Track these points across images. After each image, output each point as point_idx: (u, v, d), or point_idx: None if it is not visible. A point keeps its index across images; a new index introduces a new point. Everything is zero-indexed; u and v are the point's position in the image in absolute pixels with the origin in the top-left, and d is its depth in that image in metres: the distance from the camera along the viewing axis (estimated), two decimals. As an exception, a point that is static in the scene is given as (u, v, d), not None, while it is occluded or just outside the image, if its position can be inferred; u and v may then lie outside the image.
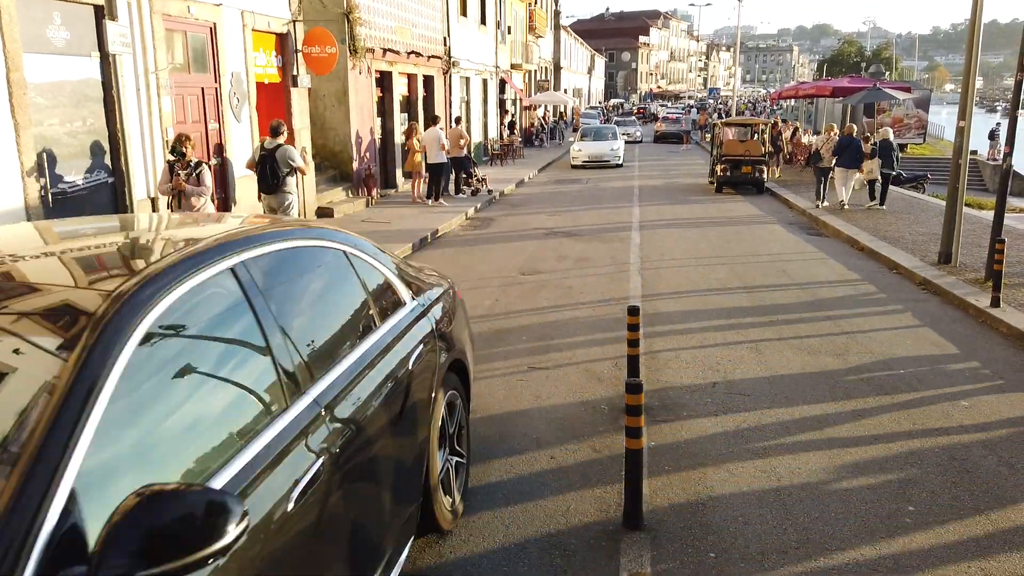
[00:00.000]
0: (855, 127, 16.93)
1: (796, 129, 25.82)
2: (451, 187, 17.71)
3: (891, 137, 15.95)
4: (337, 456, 2.47)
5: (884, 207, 15.46)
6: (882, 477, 4.53)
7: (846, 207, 15.40)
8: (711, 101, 67.75)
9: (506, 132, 30.52)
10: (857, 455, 4.81)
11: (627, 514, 3.96)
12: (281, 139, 9.48)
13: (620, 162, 26.06)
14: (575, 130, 47.48)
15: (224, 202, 11.03)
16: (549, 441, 5.03)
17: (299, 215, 9.98)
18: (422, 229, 13.04)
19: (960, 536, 3.92)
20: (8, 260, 2.30)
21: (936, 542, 3.86)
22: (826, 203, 15.87)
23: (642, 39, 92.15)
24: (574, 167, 25.76)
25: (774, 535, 3.91)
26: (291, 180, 9.56)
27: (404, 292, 3.58)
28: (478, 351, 6.89)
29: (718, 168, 18.93)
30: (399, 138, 18.90)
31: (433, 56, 20.83)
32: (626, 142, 38.67)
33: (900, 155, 16.01)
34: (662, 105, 65.48)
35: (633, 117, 48.50)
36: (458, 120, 17.67)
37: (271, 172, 9.35)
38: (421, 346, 3.44)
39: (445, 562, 3.70)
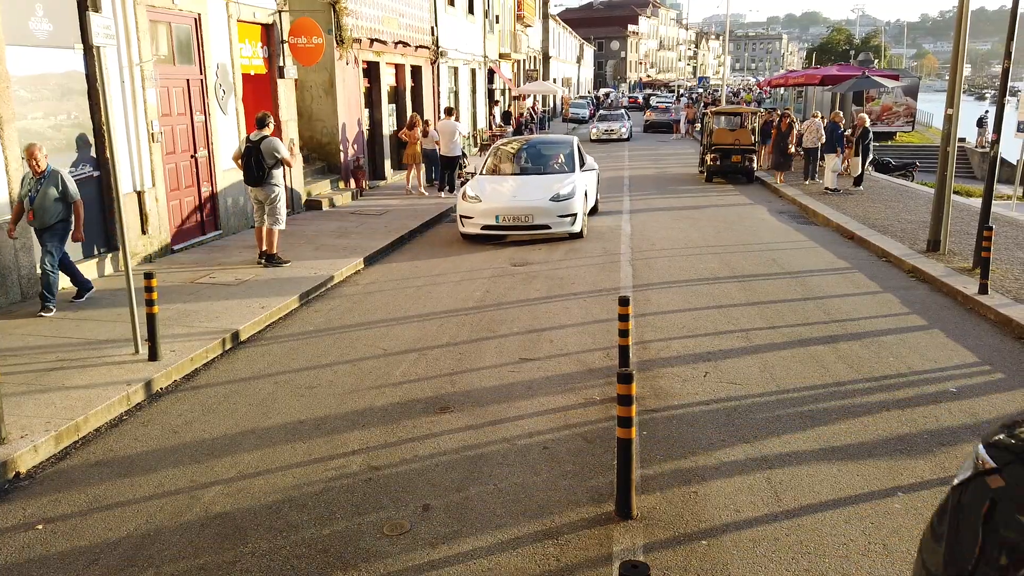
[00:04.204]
0: (840, 114, 17.39)
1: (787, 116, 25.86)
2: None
3: (867, 124, 16.91)
4: None
5: (860, 188, 16.53)
6: (871, 462, 4.56)
7: (833, 191, 15.91)
8: (701, 90, 67.51)
9: (497, 122, 30.40)
10: (846, 440, 4.84)
11: (619, 503, 3.97)
12: (267, 131, 9.41)
13: (576, 227, 11.51)
14: (564, 120, 47.02)
15: None
16: (542, 431, 5.03)
17: (286, 207, 9.88)
18: (422, 216, 13.01)
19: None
20: None
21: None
22: (818, 181, 17.26)
23: (631, 28, 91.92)
24: (465, 237, 11.77)
25: (765, 522, 3.93)
26: (277, 172, 9.49)
27: None
28: (469, 342, 6.88)
29: (708, 157, 18.94)
30: (387, 129, 18.80)
31: (421, 46, 20.71)
32: (610, 140, 32.19)
33: (873, 143, 17.35)
34: (652, 94, 64.88)
35: (622, 110, 37.92)
36: (448, 111, 17.59)
37: (256, 164, 9.28)
38: None
39: (439, 557, 3.71)
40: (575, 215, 11.46)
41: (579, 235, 11.67)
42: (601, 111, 38.47)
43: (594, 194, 13.54)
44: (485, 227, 11.35)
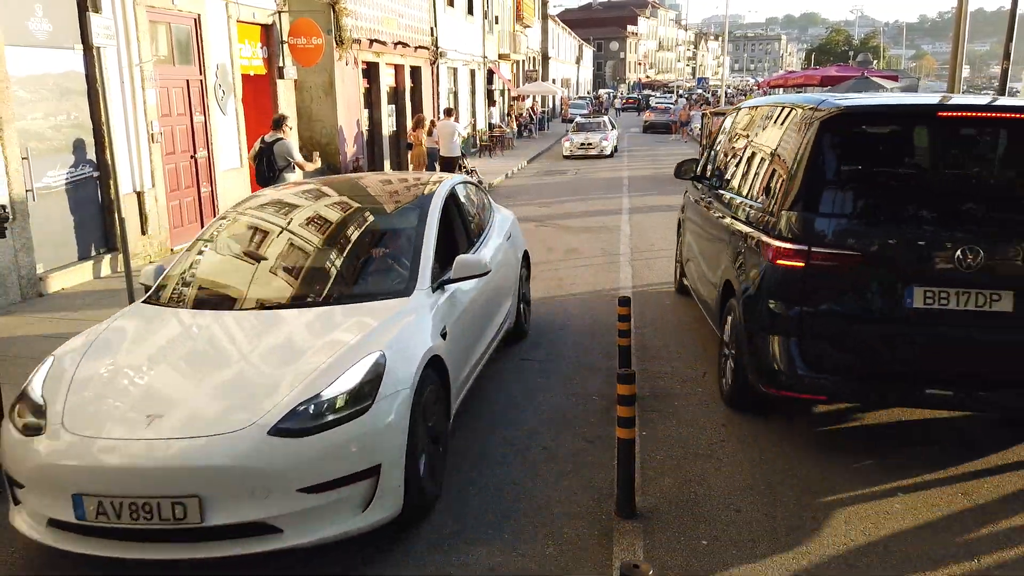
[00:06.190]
0: None
1: None
2: None
3: None
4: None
5: None
6: (867, 461, 4.56)
7: None
8: (700, 91, 67.61)
9: (496, 121, 30.39)
10: (843, 439, 4.84)
11: (620, 503, 3.97)
12: (281, 133, 9.52)
13: (379, 513, 3.48)
14: (564, 120, 47.02)
15: None
16: (541, 432, 5.03)
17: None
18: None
19: (957, 534, 3.96)
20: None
21: (931, 528, 3.89)
22: None
23: (630, 28, 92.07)
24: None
25: (765, 521, 3.93)
26: (289, 175, 9.57)
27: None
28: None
29: (707, 158, 18.93)
30: (386, 129, 18.83)
31: (420, 47, 20.73)
32: (588, 156, 25.67)
33: None
34: (650, 94, 64.90)
35: (604, 118, 30.13)
36: (448, 112, 17.61)
37: (267, 165, 9.40)
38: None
39: (439, 558, 3.70)
40: (375, 469, 3.42)
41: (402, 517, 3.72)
42: (579, 118, 30.59)
43: (504, 311, 6.01)
44: (54, 522, 3.28)
